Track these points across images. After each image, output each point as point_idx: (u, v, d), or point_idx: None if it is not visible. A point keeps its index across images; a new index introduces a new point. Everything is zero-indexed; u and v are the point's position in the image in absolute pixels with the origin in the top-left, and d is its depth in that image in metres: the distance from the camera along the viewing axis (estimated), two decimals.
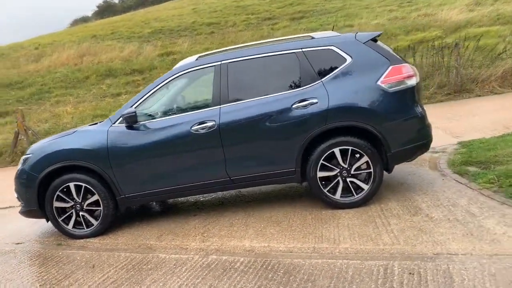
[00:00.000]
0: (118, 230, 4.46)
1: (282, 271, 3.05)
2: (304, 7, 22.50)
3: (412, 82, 4.00)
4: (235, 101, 4.11)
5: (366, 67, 4.01)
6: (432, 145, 5.81)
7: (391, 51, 4.30)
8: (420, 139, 4.05)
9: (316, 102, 3.95)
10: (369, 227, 3.58)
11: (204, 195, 5.16)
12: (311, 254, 3.26)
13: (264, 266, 3.17)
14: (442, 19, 15.05)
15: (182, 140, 4.10)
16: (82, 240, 4.31)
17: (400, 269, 2.82)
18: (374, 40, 4.23)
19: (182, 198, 5.24)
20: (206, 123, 4.05)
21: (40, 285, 3.40)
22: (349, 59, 4.04)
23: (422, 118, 4.04)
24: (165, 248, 3.82)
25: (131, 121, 4.11)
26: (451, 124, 7.22)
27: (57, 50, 20.20)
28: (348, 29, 16.49)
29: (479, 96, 9.51)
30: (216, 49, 15.61)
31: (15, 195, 4.50)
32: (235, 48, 4.54)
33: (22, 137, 10.10)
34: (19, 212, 4.54)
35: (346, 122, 3.94)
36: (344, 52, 4.06)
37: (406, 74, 3.97)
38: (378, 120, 3.92)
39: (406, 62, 4.21)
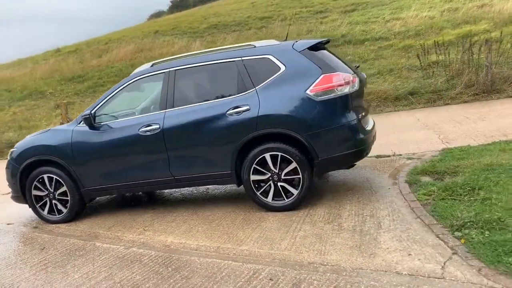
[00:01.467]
0: (86, 218, 5.01)
1: (173, 267, 3.34)
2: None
3: (344, 91, 4.02)
4: (179, 106, 4.42)
5: (298, 75, 4.09)
6: (416, 151, 5.78)
7: (332, 59, 4.33)
8: (349, 148, 4.06)
9: (248, 109, 4.13)
10: (280, 232, 3.72)
11: (176, 189, 5.57)
12: (211, 253, 3.51)
13: (163, 261, 3.48)
14: (497, 10, 13.90)
15: (131, 141, 4.50)
16: (54, 225, 4.93)
17: (266, 275, 2.98)
18: (315, 48, 4.28)
19: (157, 191, 5.68)
20: (151, 126, 4.42)
21: None
22: (283, 68, 4.15)
23: (353, 126, 4.04)
24: (106, 237, 4.28)
25: (87, 123, 4.61)
26: (452, 128, 6.86)
27: (119, 46, 21.80)
28: (394, 22, 15.86)
29: (511, 97, 8.79)
30: None
31: (7, 182, 5.23)
32: (186, 55, 4.82)
33: None
34: (11, 197, 5.27)
35: (274, 129, 4.07)
36: (279, 61, 4.18)
37: (337, 83, 3.99)
38: (304, 128, 4.00)
39: (352, 71, 4.25)
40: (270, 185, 4.20)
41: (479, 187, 3.82)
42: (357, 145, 4.09)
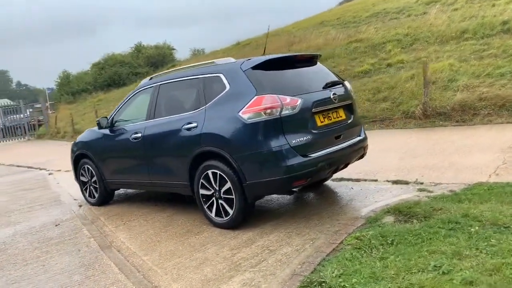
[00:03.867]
0: (112, 204, 6.00)
1: (84, 262, 3.91)
2: None
3: (275, 114, 3.78)
4: (156, 118, 4.87)
5: (238, 96, 4.03)
6: (445, 180, 4.99)
7: (284, 78, 4.13)
8: (277, 174, 3.81)
9: (196, 127, 4.30)
10: (190, 250, 3.86)
11: None
12: (121, 257, 3.93)
13: (89, 255, 4.08)
14: None
15: (126, 145, 5.19)
16: (88, 206, 6.08)
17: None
18: (264, 66, 4.10)
19: None
20: (137, 134, 5.02)
21: (27, 224, 5.34)
22: (227, 87, 4.15)
23: (281, 152, 3.77)
24: (97, 225, 5.11)
25: (99, 127, 5.51)
26: None
27: (277, 39, 23.00)
28: None
29: None
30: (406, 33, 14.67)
31: None
32: (172, 71, 5.16)
33: None
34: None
35: (211, 148, 4.14)
36: (226, 80, 4.18)
37: (266, 105, 3.80)
38: (233, 149, 3.96)
39: (307, 92, 4.02)
40: (213, 201, 4.30)
41: (397, 242, 3.14)
42: (287, 172, 3.79)
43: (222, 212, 4.23)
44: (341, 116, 4.39)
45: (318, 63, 4.80)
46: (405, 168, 5.64)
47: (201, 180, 4.33)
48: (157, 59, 41.24)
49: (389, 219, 3.84)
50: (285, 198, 5.11)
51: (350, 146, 4.34)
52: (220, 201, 4.23)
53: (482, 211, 3.48)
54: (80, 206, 6.23)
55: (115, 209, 5.75)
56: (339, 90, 4.43)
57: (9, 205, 6.97)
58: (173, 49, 49.12)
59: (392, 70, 12.35)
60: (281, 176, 3.81)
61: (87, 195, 6.21)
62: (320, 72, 4.61)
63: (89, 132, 6.10)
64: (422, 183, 4.90)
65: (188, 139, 4.36)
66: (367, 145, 4.78)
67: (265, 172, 3.86)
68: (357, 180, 5.43)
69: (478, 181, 4.62)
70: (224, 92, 4.16)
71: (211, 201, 4.32)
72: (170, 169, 4.70)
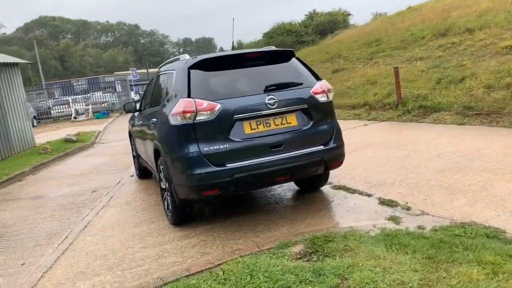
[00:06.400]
0: (148, 180, 6.66)
1: (54, 234, 4.62)
2: None
3: (189, 119, 3.65)
4: (149, 108, 5.18)
5: (175, 96, 3.99)
6: (441, 212, 4.11)
7: (220, 78, 3.97)
8: (185, 181, 3.72)
9: (154, 122, 4.46)
10: (120, 239, 4.15)
11: None
12: (83, 231, 4.49)
13: (69, 225, 4.78)
14: None
15: (139, 128, 5.68)
16: (134, 178, 6.92)
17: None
18: (203, 66, 3.91)
19: None
20: (140, 120, 5.45)
21: (82, 186, 6.47)
22: (173, 85, 4.13)
23: (190, 159, 3.64)
24: (114, 197, 5.82)
25: (125, 111, 6.11)
26: None
27: (439, 5, 20.01)
28: None
29: None
30: None
31: None
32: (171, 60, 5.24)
33: None
34: None
35: (157, 145, 4.24)
36: (175, 78, 4.16)
37: (182, 109, 3.68)
38: (164, 150, 4.02)
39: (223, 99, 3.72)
40: (165, 195, 4.44)
41: (232, 283, 2.76)
42: (195, 180, 3.65)
43: (168, 208, 4.35)
44: (289, 123, 3.87)
45: (293, 60, 4.25)
46: (423, 185, 4.57)
47: (159, 174, 4.51)
48: (327, 26, 40.62)
49: (297, 248, 3.33)
50: (266, 200, 4.85)
51: (294, 157, 3.82)
52: (168, 196, 4.34)
53: (374, 266, 2.72)
54: (131, 176, 7.11)
55: (145, 184, 6.40)
56: (286, 93, 3.87)
57: (100, 166, 8.45)
58: (349, 14, 47.39)
59: None
60: (190, 183, 3.70)
61: (135, 165, 7.05)
62: (282, 72, 4.10)
63: (132, 114, 6.83)
64: (408, 209, 3.97)
65: (151, 134, 4.57)
66: (337, 155, 4.10)
67: (180, 177, 3.80)
68: (353, 192, 4.68)
69: (472, 220, 3.50)
70: (171, 89, 4.17)
71: (165, 194, 4.47)
72: (150, 159, 4.99)
